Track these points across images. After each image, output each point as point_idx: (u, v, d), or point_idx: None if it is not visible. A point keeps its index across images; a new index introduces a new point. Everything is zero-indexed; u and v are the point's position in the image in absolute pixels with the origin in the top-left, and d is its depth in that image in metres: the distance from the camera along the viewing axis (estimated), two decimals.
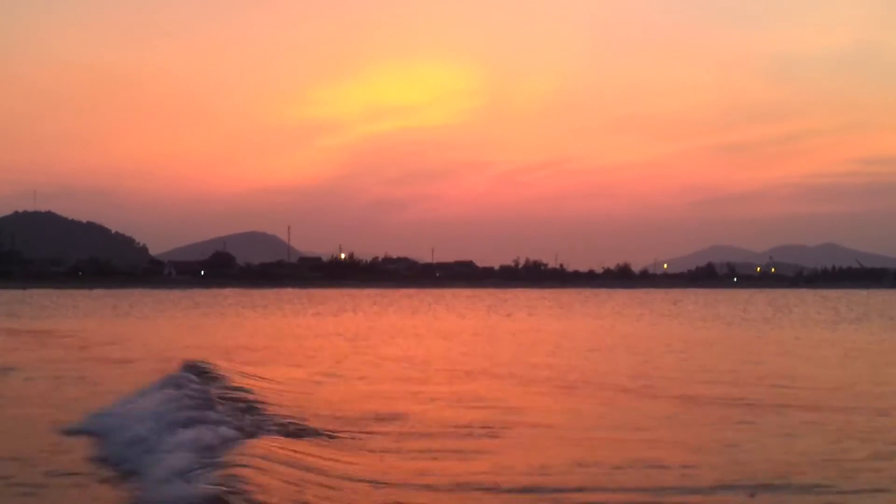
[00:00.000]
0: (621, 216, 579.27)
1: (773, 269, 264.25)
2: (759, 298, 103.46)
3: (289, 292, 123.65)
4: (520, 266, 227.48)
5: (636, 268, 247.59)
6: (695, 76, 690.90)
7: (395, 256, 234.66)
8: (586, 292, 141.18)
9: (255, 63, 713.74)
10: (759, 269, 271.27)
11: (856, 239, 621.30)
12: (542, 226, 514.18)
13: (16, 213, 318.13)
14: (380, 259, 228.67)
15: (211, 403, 12.35)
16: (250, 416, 11.92)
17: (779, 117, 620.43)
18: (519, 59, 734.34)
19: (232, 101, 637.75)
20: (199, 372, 15.86)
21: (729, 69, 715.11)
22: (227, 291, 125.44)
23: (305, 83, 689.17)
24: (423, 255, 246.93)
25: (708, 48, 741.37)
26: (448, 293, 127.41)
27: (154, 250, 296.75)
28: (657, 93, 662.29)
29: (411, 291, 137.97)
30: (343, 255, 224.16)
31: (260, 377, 17.15)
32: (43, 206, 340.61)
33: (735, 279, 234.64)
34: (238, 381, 15.57)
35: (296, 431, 11.18)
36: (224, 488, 7.31)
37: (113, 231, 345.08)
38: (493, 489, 8.65)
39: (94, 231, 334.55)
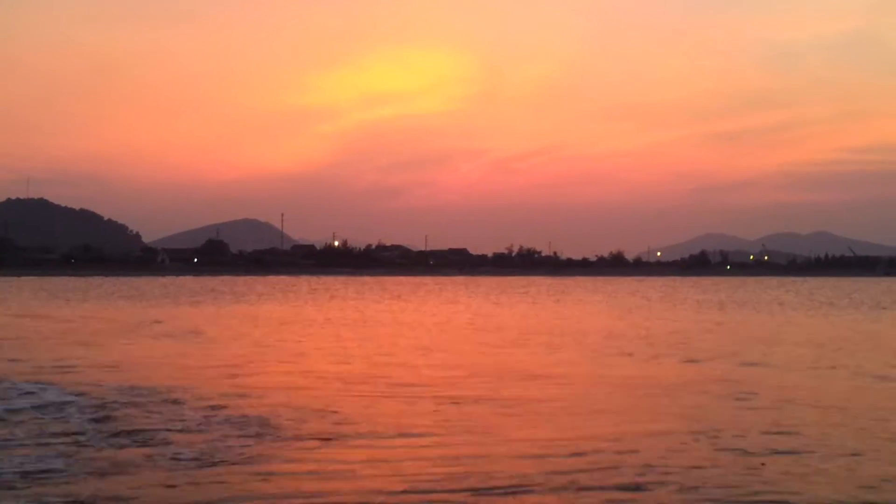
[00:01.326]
0: (615, 204, 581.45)
1: (765, 258, 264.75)
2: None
3: (295, 280, 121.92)
4: (513, 254, 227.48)
5: (630, 255, 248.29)
6: (690, 64, 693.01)
7: (388, 244, 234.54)
8: (581, 279, 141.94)
9: (249, 50, 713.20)
10: (752, 257, 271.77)
11: (849, 227, 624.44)
12: (536, 213, 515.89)
13: (8, 200, 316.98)
14: (373, 246, 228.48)
15: None
16: None
17: (774, 105, 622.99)
18: (513, 47, 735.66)
19: (226, 89, 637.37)
20: None
21: (724, 57, 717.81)
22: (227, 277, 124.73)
23: (300, 70, 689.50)
24: (416, 243, 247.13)
25: (703, 36, 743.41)
26: (448, 280, 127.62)
27: (147, 238, 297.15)
28: (651, 80, 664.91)
29: (427, 280, 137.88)
30: (336, 243, 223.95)
31: None
32: (35, 193, 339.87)
33: (728, 267, 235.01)
34: None
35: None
36: None
37: (106, 218, 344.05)
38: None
39: (86, 218, 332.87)
